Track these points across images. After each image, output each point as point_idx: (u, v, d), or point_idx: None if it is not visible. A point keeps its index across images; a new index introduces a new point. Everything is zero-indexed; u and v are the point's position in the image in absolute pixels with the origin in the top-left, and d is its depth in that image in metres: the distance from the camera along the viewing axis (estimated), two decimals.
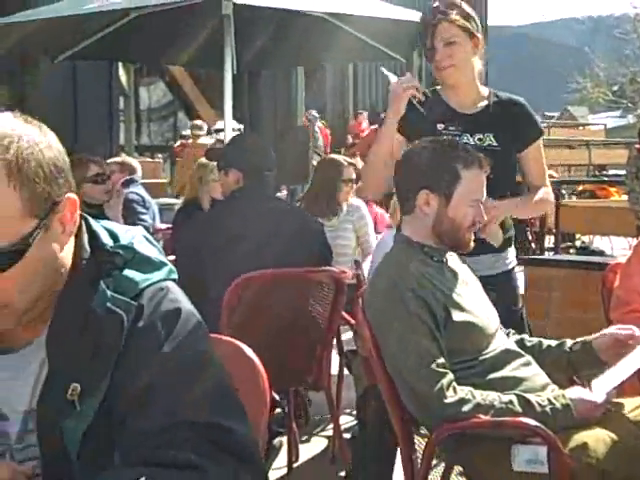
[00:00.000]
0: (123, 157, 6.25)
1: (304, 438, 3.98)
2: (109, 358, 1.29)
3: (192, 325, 1.34)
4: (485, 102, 2.93)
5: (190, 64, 7.45)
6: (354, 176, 4.68)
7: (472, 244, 2.46)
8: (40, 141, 1.26)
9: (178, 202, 6.10)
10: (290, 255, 3.34)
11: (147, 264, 1.38)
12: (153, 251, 1.42)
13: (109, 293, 1.32)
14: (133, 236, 1.41)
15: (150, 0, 4.30)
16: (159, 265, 1.39)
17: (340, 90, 15.44)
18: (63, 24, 4.57)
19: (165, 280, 1.38)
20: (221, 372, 1.34)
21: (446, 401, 2.17)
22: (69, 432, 1.27)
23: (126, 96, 10.89)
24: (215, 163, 4.55)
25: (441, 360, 2.22)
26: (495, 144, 2.86)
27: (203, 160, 4.93)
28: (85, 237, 1.36)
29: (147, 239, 1.44)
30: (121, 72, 10.59)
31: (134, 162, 6.05)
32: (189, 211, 4.80)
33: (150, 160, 9.46)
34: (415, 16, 5.26)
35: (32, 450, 1.32)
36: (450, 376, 2.21)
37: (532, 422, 2.13)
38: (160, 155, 10.00)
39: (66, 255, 1.32)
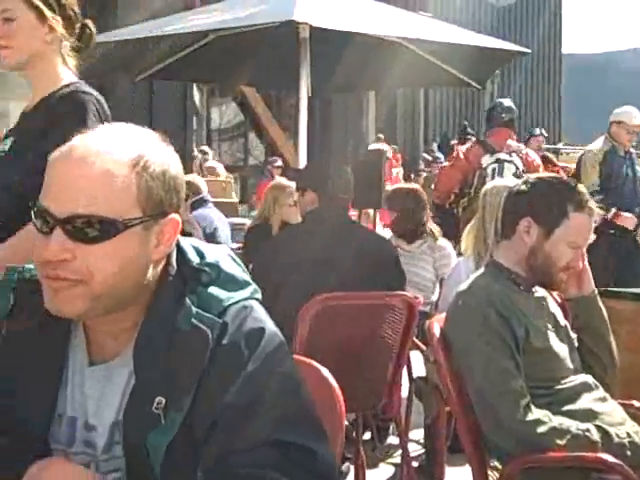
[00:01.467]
0: (192, 177, 6.31)
1: (372, 464, 3.95)
2: (193, 374, 1.30)
3: (276, 345, 1.35)
4: (39, 99, 2.33)
5: (263, 86, 7.54)
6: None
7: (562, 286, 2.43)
8: (170, 159, 1.34)
9: (248, 222, 6.14)
10: (363, 278, 3.34)
11: (232, 282, 1.39)
12: (238, 270, 1.44)
13: (194, 309, 1.33)
14: (219, 254, 1.43)
15: (229, 22, 4.36)
16: (243, 284, 1.41)
17: (411, 115, 15.44)
18: (145, 45, 4.68)
19: (249, 299, 1.39)
20: (304, 393, 1.34)
21: (522, 420, 2.15)
22: (153, 445, 1.29)
23: (199, 116, 11.09)
24: (294, 186, 4.62)
25: (520, 381, 2.22)
26: (6, 150, 2.30)
27: (280, 181, 4.95)
28: (174, 254, 1.38)
29: (232, 258, 1.46)
30: (195, 92, 10.78)
31: (201, 182, 6.08)
32: (260, 232, 4.81)
33: (222, 179, 9.62)
34: (492, 43, 5.25)
35: (117, 462, 1.34)
36: (528, 397, 2.20)
37: (612, 459, 2.07)
38: (231, 175, 10.18)
39: (152, 271, 1.34)
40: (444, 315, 2.45)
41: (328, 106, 11.33)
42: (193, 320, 1.32)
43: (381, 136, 12.59)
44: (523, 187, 2.45)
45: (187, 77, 6.90)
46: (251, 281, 1.43)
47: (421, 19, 6.29)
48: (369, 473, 3.73)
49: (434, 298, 4.61)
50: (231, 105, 13.32)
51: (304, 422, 1.30)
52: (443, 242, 4.76)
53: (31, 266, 1.46)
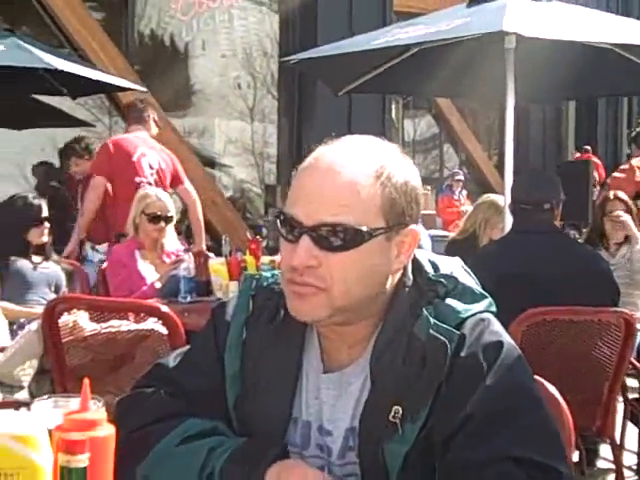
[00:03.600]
0: None
1: None
2: (431, 385, 1.30)
3: (514, 359, 1.33)
4: None
5: (462, 97, 7.49)
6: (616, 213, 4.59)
7: None
8: (411, 170, 1.37)
9: (448, 234, 6.09)
10: (574, 294, 3.22)
11: (468, 295, 1.39)
12: (472, 282, 1.43)
13: (432, 320, 1.33)
14: (453, 266, 1.43)
15: (435, 35, 4.34)
16: (479, 296, 1.40)
17: (613, 125, 14.79)
18: (350, 60, 4.75)
19: (485, 312, 1.38)
20: (545, 409, 1.31)
21: None
22: (391, 454, 1.30)
23: (395, 129, 11.18)
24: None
25: None
26: None
27: (496, 200, 4.83)
28: (409, 265, 1.40)
29: (465, 270, 1.45)
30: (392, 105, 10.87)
31: None
32: (463, 246, 4.70)
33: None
34: None
35: (351, 467, 1.37)
36: None
37: None
38: (428, 187, 10.14)
39: (391, 281, 1.36)
40: None
41: (526, 114, 11.08)
42: (431, 331, 1.32)
43: (588, 148, 12.12)
44: None
45: (387, 90, 6.97)
46: (487, 294, 1.42)
47: (633, 22, 5.98)
48: None
49: None
50: (425, 117, 13.33)
51: (546, 439, 1.27)
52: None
53: (267, 274, 1.52)
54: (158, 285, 4.25)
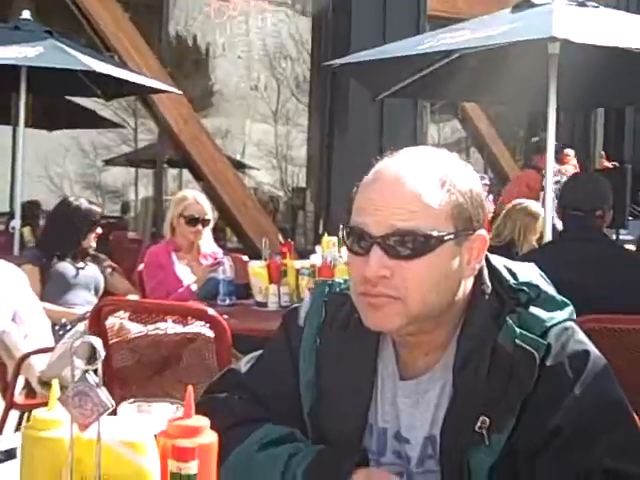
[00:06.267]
0: None
1: None
2: (519, 395, 1.29)
3: (601, 368, 1.32)
4: None
5: (500, 102, 7.43)
6: None
7: None
8: (474, 178, 1.37)
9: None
10: (625, 301, 3.18)
11: (551, 302, 1.38)
12: (552, 289, 1.41)
13: (517, 330, 1.32)
14: (531, 273, 1.41)
15: (483, 40, 4.29)
16: (562, 304, 1.39)
17: None
18: (391, 64, 4.72)
19: (569, 320, 1.37)
20: (634, 419, 1.30)
21: None
22: (477, 465, 1.28)
23: (423, 133, 11.16)
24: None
25: None
26: None
27: (531, 206, 4.78)
28: (485, 272, 1.38)
29: (543, 277, 1.43)
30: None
31: None
32: (500, 252, 4.64)
33: None
34: None
35: (430, 476, 1.35)
36: None
37: None
38: None
39: (463, 287, 1.35)
40: None
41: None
42: (517, 341, 1.31)
43: (602, 153, 12.12)
44: None
45: (424, 95, 6.93)
46: (568, 302, 1.40)
47: None
48: None
49: None
50: (450, 122, 13.27)
51: (638, 449, 1.25)
52: None
53: (340, 280, 1.51)
54: (194, 287, 4.25)
